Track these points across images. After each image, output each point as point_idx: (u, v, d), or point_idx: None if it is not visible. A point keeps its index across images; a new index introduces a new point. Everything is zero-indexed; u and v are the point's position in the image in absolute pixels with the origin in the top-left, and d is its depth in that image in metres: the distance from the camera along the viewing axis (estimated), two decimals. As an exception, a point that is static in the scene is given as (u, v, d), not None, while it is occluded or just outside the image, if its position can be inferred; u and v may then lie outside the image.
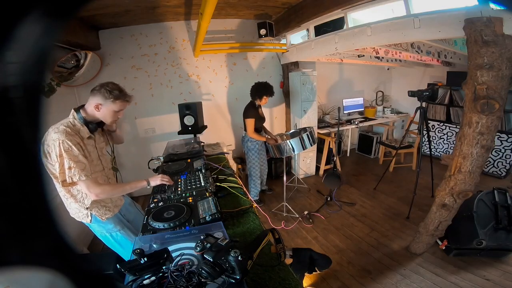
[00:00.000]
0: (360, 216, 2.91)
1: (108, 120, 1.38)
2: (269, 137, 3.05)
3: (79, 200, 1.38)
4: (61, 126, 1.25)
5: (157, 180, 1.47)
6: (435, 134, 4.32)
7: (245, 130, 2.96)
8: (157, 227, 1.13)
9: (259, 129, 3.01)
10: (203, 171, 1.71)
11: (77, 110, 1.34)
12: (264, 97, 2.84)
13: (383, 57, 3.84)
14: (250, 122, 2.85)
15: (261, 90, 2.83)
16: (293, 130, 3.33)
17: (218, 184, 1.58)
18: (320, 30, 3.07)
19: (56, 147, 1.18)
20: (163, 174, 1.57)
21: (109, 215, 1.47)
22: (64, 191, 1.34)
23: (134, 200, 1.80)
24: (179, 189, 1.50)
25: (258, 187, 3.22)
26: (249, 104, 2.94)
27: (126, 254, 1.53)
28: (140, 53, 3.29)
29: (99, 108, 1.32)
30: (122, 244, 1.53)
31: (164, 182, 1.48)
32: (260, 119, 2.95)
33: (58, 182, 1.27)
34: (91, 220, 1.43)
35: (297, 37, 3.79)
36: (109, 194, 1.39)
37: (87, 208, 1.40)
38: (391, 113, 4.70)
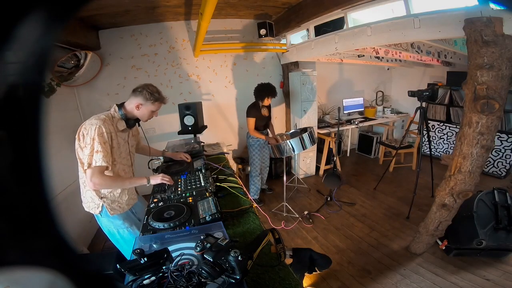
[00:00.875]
0: (360, 216, 2.91)
1: (145, 118, 1.51)
2: (270, 135, 3.05)
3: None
4: (102, 115, 1.39)
5: (157, 179, 1.50)
6: (435, 134, 4.32)
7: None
8: (157, 227, 1.13)
9: (261, 128, 3.02)
10: (203, 171, 1.71)
11: (119, 106, 1.48)
12: (266, 98, 2.86)
13: (383, 57, 3.84)
14: (250, 121, 2.91)
15: (262, 91, 2.86)
16: (293, 130, 3.32)
17: (218, 184, 1.58)
18: (320, 30, 3.06)
19: (93, 130, 1.30)
20: (164, 174, 1.58)
21: (118, 211, 1.49)
22: (85, 176, 1.38)
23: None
24: (179, 189, 1.50)
25: (258, 184, 3.22)
26: (252, 104, 2.97)
27: (130, 252, 1.53)
28: (140, 53, 3.29)
29: (139, 107, 1.46)
30: (127, 241, 1.54)
31: (165, 182, 1.50)
32: (262, 118, 2.97)
33: (83, 168, 1.33)
34: (100, 212, 1.45)
35: (297, 37, 3.79)
36: (107, 186, 1.42)
37: (101, 198, 1.44)
38: (391, 113, 4.70)
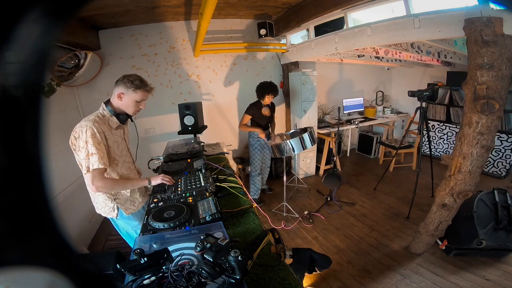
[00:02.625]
0: (360, 216, 2.91)
1: (131, 110, 1.42)
2: (260, 130, 2.88)
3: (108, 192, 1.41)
4: (92, 116, 1.35)
5: (158, 179, 1.50)
6: (435, 134, 4.32)
7: None
8: (157, 227, 1.13)
9: (262, 127, 2.99)
10: (203, 171, 1.71)
11: (106, 103, 1.42)
12: (267, 95, 2.85)
13: (383, 57, 3.84)
14: (244, 117, 2.92)
15: (263, 88, 2.85)
16: (293, 130, 3.32)
17: (218, 184, 1.57)
18: (320, 30, 3.07)
19: (83, 133, 1.25)
20: (164, 174, 1.59)
21: (133, 210, 1.49)
22: (86, 180, 1.35)
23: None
24: (179, 189, 1.50)
25: (258, 185, 3.21)
26: (253, 102, 2.97)
27: None
28: (140, 53, 3.29)
29: (122, 97, 1.37)
30: None
31: (165, 182, 1.50)
32: (262, 118, 2.97)
33: (82, 169, 1.30)
34: (117, 215, 1.44)
35: (297, 37, 3.79)
36: (109, 189, 1.40)
37: (114, 200, 1.42)
38: (391, 113, 4.70)
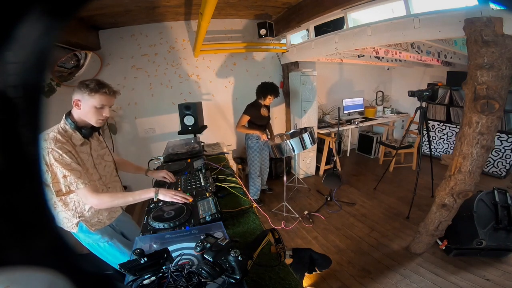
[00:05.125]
0: (360, 216, 2.91)
1: (92, 119, 1.24)
2: (260, 132, 2.87)
3: (71, 209, 1.30)
4: (52, 133, 1.17)
5: (166, 196, 1.29)
6: (435, 134, 4.32)
7: None
8: (157, 227, 1.13)
9: (261, 128, 3.00)
10: (203, 171, 1.71)
11: (67, 114, 1.25)
12: (268, 96, 2.85)
13: (383, 57, 3.84)
14: (243, 118, 2.89)
15: (265, 89, 2.85)
16: (293, 130, 3.32)
17: (218, 184, 1.57)
18: (320, 30, 3.07)
19: (46, 156, 1.11)
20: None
21: (99, 226, 1.40)
22: (56, 199, 1.24)
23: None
24: (179, 189, 1.50)
25: (258, 185, 3.21)
26: (252, 102, 2.96)
27: (114, 263, 1.47)
28: (140, 53, 3.29)
29: (79, 105, 1.21)
30: (110, 253, 1.47)
31: (176, 200, 1.30)
32: (262, 118, 2.96)
33: (51, 191, 1.19)
34: (77, 230, 1.35)
35: (297, 37, 3.79)
36: (108, 204, 1.30)
37: (79, 217, 1.32)
38: (391, 113, 4.70)
